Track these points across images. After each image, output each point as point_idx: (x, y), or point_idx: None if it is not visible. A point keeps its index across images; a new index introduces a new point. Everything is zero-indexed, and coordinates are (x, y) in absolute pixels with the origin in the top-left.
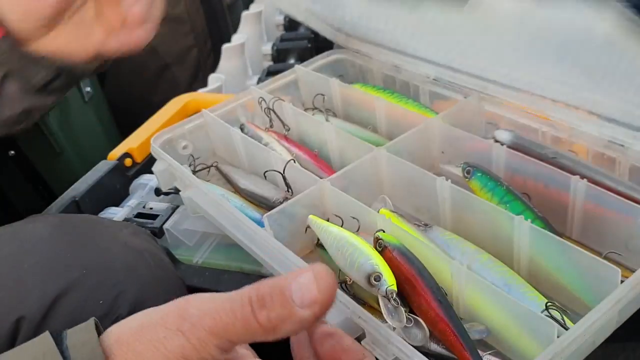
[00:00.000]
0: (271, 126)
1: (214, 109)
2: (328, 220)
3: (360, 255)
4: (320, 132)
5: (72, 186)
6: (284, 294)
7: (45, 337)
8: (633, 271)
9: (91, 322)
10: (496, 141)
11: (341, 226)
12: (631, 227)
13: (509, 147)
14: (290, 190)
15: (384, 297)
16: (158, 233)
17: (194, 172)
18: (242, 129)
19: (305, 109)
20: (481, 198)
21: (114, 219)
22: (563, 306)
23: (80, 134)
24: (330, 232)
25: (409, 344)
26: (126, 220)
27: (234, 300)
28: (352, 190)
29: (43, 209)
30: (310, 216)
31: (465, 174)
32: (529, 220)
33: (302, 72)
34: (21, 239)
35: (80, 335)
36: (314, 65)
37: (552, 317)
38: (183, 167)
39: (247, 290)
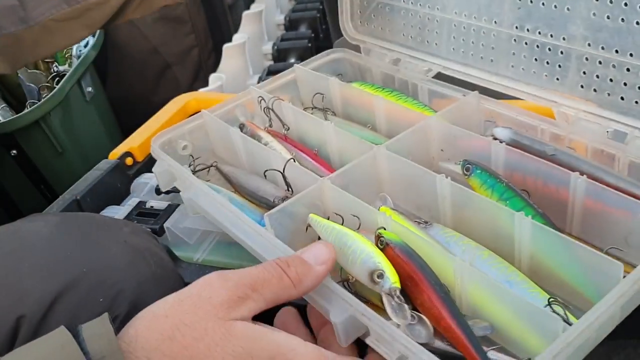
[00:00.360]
0: (270, 125)
1: (213, 109)
2: (328, 219)
3: (362, 252)
4: (319, 131)
5: (73, 185)
6: (301, 258)
7: (62, 330)
8: (634, 266)
9: (105, 315)
10: (495, 139)
11: (342, 224)
12: (631, 222)
13: (508, 144)
14: (290, 189)
15: (388, 294)
16: (158, 231)
17: (194, 172)
18: (241, 129)
19: (305, 108)
20: (481, 195)
21: (115, 216)
22: (565, 302)
23: (81, 133)
24: (331, 231)
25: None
26: (127, 218)
27: (264, 265)
28: (352, 188)
29: (45, 208)
30: (311, 215)
31: (465, 171)
32: (530, 216)
33: (301, 72)
34: (21, 237)
35: (95, 328)
36: (313, 64)
37: (555, 312)
38: (183, 167)
39: (270, 260)
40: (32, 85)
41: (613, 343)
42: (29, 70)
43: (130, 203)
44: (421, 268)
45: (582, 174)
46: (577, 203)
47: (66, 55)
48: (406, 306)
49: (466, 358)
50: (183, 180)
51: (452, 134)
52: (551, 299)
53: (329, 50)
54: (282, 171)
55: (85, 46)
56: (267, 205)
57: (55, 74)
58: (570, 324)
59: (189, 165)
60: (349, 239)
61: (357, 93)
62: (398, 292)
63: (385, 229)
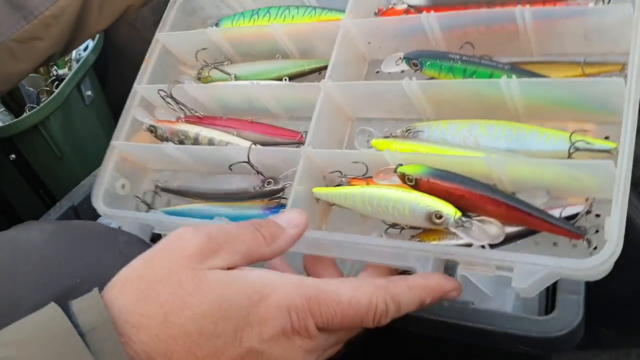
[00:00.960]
0: (185, 114)
1: (117, 134)
2: (324, 179)
3: (404, 204)
4: (246, 94)
5: (70, 192)
6: (273, 220)
7: (52, 306)
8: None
9: (95, 289)
10: (410, 6)
11: (341, 176)
12: (583, 23)
13: (428, 7)
14: (259, 172)
15: (456, 227)
16: (156, 239)
17: (149, 207)
18: (154, 132)
19: (198, 73)
20: (454, 80)
21: (111, 224)
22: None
23: (81, 137)
24: (354, 196)
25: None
26: None
27: (237, 223)
28: (329, 137)
29: (43, 213)
30: (314, 190)
31: (413, 67)
32: (513, 76)
33: (166, 38)
34: (15, 246)
35: (85, 301)
36: (169, 24)
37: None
38: (153, 212)
39: (244, 221)
40: (31, 89)
41: (616, 352)
42: (28, 75)
43: None
44: (462, 182)
45: (523, 4)
46: (529, 30)
47: (66, 59)
48: (478, 224)
49: (540, 229)
50: (164, 226)
51: (375, 25)
52: (572, 137)
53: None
54: (247, 161)
55: (85, 50)
56: (249, 197)
57: (54, 77)
58: (608, 151)
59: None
60: (380, 198)
61: (247, 31)
62: (464, 218)
63: (402, 165)
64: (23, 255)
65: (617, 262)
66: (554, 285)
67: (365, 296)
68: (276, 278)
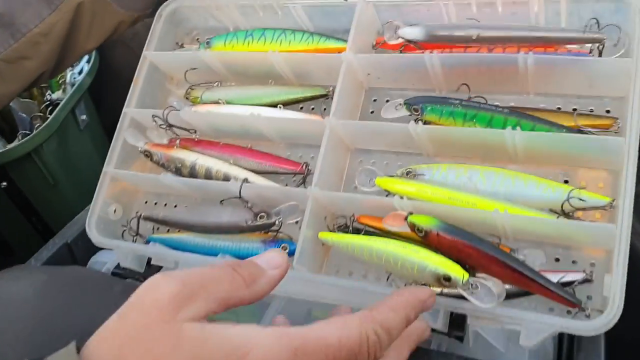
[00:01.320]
0: (179, 140)
1: (109, 160)
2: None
3: (412, 265)
4: (246, 123)
5: (63, 229)
6: (254, 262)
7: None
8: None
9: (72, 345)
10: (408, 41)
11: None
12: (582, 69)
13: (425, 42)
14: (248, 204)
15: (464, 289)
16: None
17: (137, 233)
18: (150, 157)
19: (187, 93)
20: (459, 128)
21: (107, 265)
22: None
23: (75, 163)
24: (361, 249)
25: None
26: (119, 267)
27: (213, 265)
28: (330, 168)
29: (36, 242)
30: (320, 235)
31: (414, 112)
32: (518, 128)
33: (154, 57)
34: (4, 301)
35: (61, 358)
36: (155, 40)
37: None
38: (150, 245)
39: (221, 262)
40: (24, 115)
41: None
42: (21, 100)
43: None
44: (470, 240)
45: (523, 48)
46: (529, 73)
47: (60, 82)
48: (487, 285)
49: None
50: (162, 260)
51: (376, 61)
52: (570, 194)
53: (160, 9)
54: (239, 196)
55: (80, 73)
56: (241, 231)
57: (48, 102)
58: (607, 207)
59: (122, 233)
60: (387, 254)
61: (244, 56)
62: (471, 280)
63: (412, 213)
64: (12, 312)
65: (627, 298)
66: (571, 339)
67: (354, 331)
68: (256, 333)
